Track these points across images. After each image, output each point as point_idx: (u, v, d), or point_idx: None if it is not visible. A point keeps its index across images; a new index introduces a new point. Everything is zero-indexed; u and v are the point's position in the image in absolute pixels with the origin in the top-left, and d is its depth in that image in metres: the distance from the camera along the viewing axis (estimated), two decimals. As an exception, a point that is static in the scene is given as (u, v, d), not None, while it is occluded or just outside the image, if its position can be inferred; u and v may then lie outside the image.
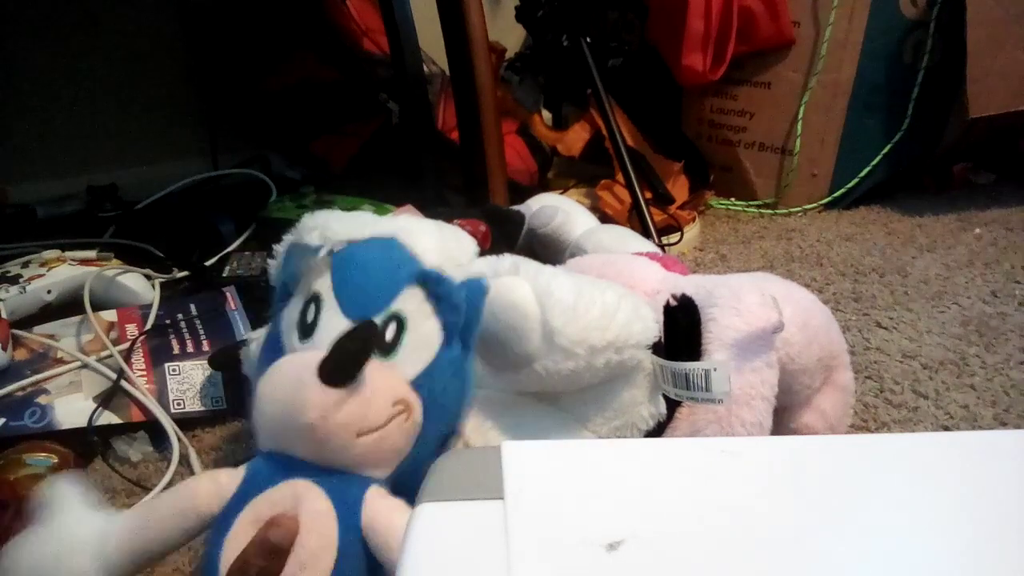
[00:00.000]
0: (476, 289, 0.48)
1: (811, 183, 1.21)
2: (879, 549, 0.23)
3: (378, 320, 0.46)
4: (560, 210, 0.86)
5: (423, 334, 0.47)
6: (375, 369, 0.44)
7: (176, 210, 1.15)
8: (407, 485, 0.42)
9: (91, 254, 0.90)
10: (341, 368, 0.42)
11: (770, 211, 1.23)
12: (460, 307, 0.48)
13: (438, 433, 0.47)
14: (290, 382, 0.43)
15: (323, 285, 0.49)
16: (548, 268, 0.54)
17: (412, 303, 0.47)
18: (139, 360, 0.72)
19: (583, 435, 0.52)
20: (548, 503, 0.25)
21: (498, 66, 1.33)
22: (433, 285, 0.48)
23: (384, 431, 0.43)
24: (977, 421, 0.67)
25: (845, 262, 1.01)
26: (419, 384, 0.46)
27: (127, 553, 0.41)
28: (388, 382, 0.44)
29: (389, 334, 0.46)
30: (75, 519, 0.42)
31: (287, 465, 0.43)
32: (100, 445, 0.65)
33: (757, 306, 0.52)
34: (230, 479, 0.43)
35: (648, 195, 1.06)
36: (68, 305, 0.82)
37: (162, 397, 0.69)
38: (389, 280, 0.48)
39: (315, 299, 0.48)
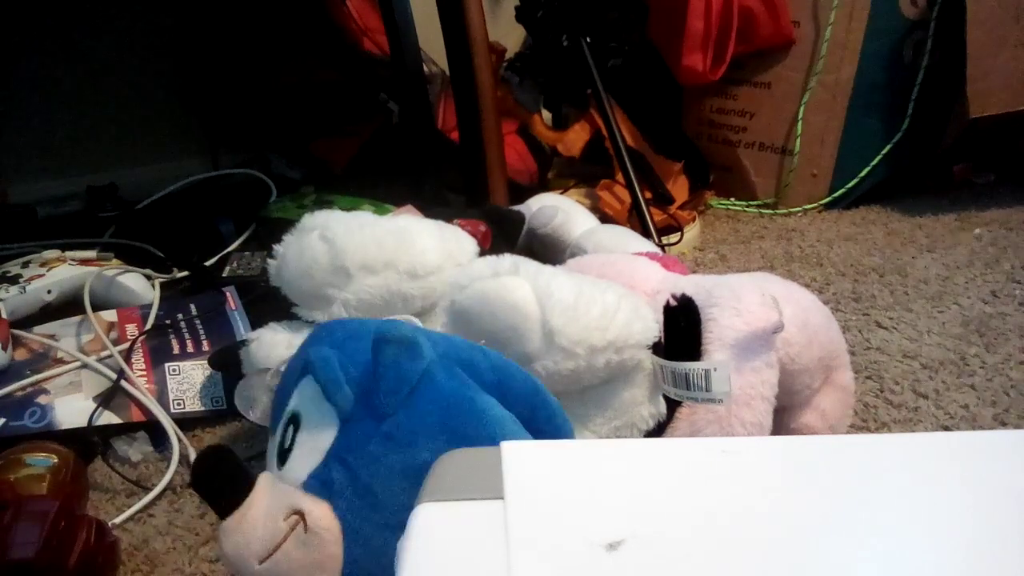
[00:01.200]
0: (375, 338, 0.40)
1: (811, 183, 1.21)
2: (879, 549, 0.23)
3: (279, 428, 0.43)
4: (560, 210, 0.86)
5: (316, 424, 0.41)
6: (258, 488, 0.40)
7: (176, 210, 1.15)
8: None
9: (91, 254, 0.90)
10: (211, 501, 0.39)
11: (770, 211, 1.23)
12: (337, 380, 0.40)
13: (384, 520, 0.38)
14: None
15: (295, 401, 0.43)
16: (548, 268, 0.54)
17: (307, 392, 0.42)
18: (139, 360, 0.72)
19: (583, 435, 0.52)
20: (548, 503, 0.25)
21: (498, 66, 1.33)
22: (313, 370, 0.42)
23: (281, 551, 0.38)
24: (977, 421, 0.67)
25: (845, 262, 1.01)
26: (320, 479, 0.39)
27: None
28: (272, 498, 0.39)
29: (287, 439, 0.42)
30: None
31: None
32: (100, 445, 0.65)
33: (757, 306, 0.52)
34: None
35: (648, 195, 1.06)
36: (68, 305, 0.82)
37: (162, 397, 0.69)
38: (288, 381, 0.44)
39: (292, 419, 0.43)
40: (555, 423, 0.42)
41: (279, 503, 0.39)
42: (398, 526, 0.36)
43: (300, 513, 0.38)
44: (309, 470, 0.40)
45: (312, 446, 0.40)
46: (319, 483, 0.39)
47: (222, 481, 0.39)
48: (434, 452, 0.37)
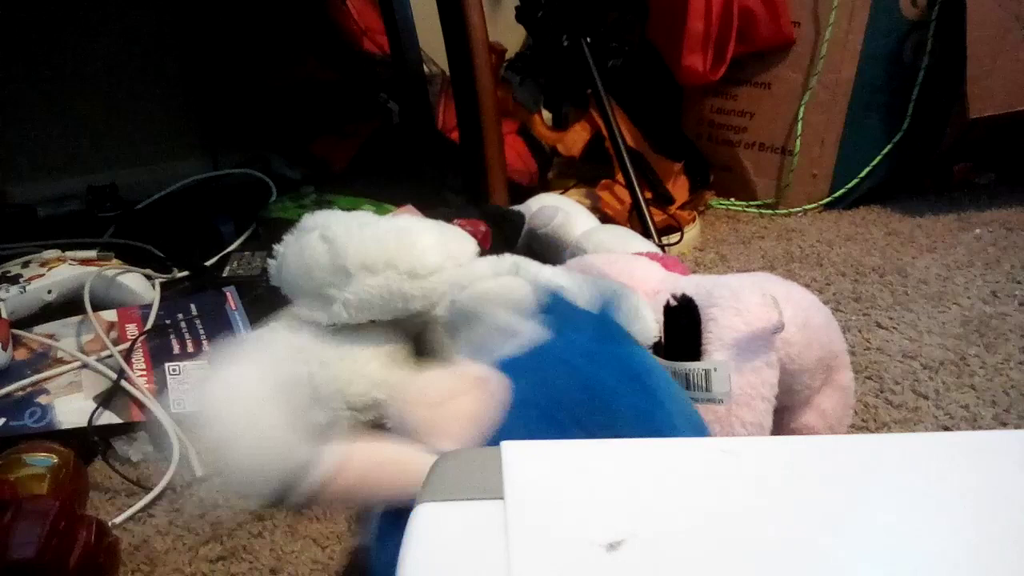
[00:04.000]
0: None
1: (811, 183, 1.21)
2: (879, 549, 0.23)
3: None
4: (560, 210, 0.86)
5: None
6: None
7: (176, 210, 1.15)
8: None
9: (91, 254, 0.90)
10: None
11: (770, 211, 1.23)
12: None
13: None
14: None
15: None
16: (548, 268, 0.54)
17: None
18: (139, 360, 0.72)
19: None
20: (548, 503, 0.25)
21: (498, 66, 1.33)
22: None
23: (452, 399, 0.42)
24: (977, 421, 0.67)
25: (845, 262, 1.01)
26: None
27: None
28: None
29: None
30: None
31: None
32: (100, 445, 0.65)
33: (757, 306, 0.52)
34: None
35: (648, 195, 1.06)
36: (68, 305, 0.82)
37: (162, 397, 0.69)
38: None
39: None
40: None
41: (467, 369, 0.43)
42: (552, 420, 0.41)
43: (484, 378, 0.42)
44: (509, 356, 0.44)
45: (520, 342, 0.45)
46: (511, 365, 0.43)
47: None
48: (616, 381, 0.43)
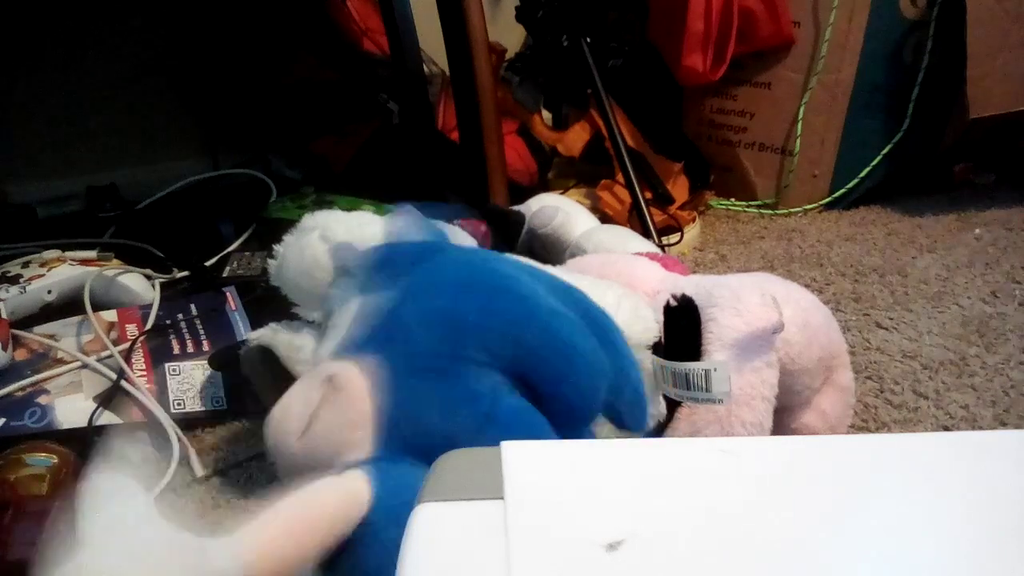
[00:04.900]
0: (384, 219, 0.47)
1: (811, 183, 1.21)
2: (879, 549, 0.23)
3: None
4: (560, 210, 0.86)
5: (340, 304, 0.48)
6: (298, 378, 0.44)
7: (176, 210, 1.15)
8: None
9: (91, 254, 0.90)
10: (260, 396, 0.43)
11: (770, 211, 1.23)
12: (350, 249, 0.48)
13: (407, 365, 0.41)
14: None
15: None
16: (548, 268, 0.54)
17: (335, 291, 0.50)
18: (139, 360, 0.72)
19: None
20: (548, 503, 0.25)
21: (498, 66, 1.33)
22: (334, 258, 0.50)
23: (316, 418, 0.41)
24: (977, 421, 0.67)
25: (845, 262, 1.01)
26: (345, 344, 0.44)
27: None
28: (306, 378, 0.43)
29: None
30: (158, 540, 0.30)
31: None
32: (100, 445, 0.65)
33: (757, 306, 0.52)
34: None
35: (648, 195, 1.06)
36: (68, 305, 0.82)
37: (162, 397, 0.69)
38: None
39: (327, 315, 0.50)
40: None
41: (312, 378, 0.41)
42: (422, 370, 0.40)
43: (329, 379, 0.40)
44: (336, 342, 0.42)
45: (339, 323, 0.43)
46: (344, 347, 0.42)
47: (263, 379, 0.41)
48: (450, 298, 0.41)
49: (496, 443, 0.38)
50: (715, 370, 0.48)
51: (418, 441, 0.39)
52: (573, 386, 0.41)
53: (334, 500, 0.35)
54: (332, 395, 0.39)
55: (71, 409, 0.66)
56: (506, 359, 0.41)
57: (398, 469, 0.38)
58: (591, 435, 0.44)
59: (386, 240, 0.47)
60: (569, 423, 0.41)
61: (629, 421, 0.45)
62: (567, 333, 0.42)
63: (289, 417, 0.40)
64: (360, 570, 0.35)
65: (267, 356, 0.61)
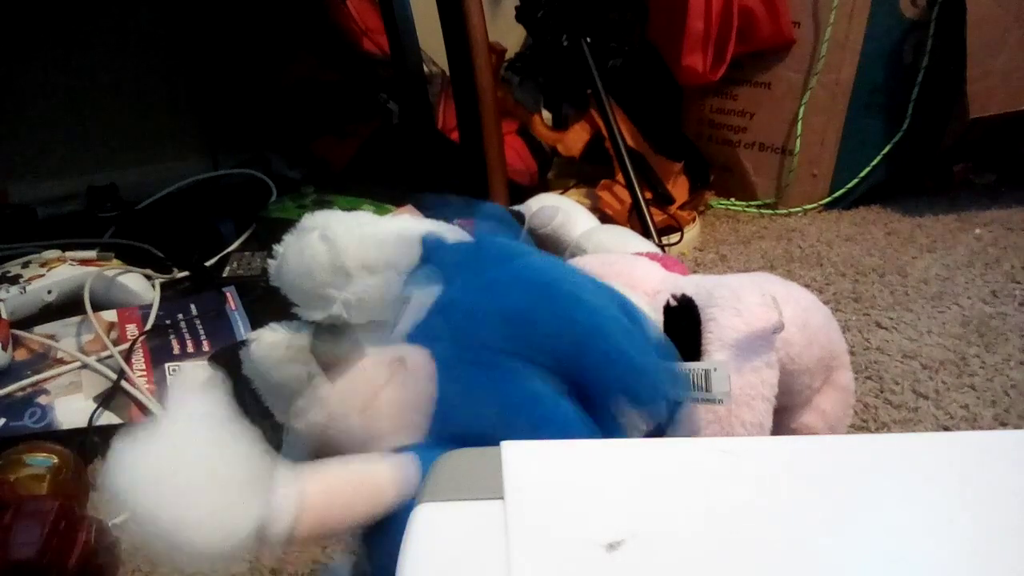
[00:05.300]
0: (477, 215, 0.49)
1: (811, 183, 1.21)
2: (879, 549, 0.23)
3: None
4: (560, 210, 0.86)
5: (422, 288, 0.48)
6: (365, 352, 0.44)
7: (176, 210, 1.15)
8: None
9: (91, 254, 0.90)
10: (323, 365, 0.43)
11: (770, 211, 1.23)
12: (440, 242, 0.49)
13: (474, 358, 0.42)
14: None
15: None
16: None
17: (416, 275, 0.50)
18: (139, 360, 0.72)
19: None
20: (548, 503, 0.25)
21: (498, 66, 1.33)
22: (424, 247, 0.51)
23: (381, 396, 0.42)
24: (977, 421, 0.67)
25: (845, 262, 1.01)
26: (422, 329, 0.44)
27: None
28: (375, 354, 0.43)
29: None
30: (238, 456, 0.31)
31: None
32: (100, 445, 0.65)
33: (757, 306, 0.52)
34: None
35: (648, 195, 1.06)
36: (68, 305, 0.82)
37: (162, 397, 0.69)
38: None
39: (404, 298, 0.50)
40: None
41: (381, 356, 0.42)
42: (486, 365, 0.41)
43: (400, 359, 0.41)
44: (413, 324, 0.43)
45: (418, 306, 0.44)
46: (421, 332, 0.43)
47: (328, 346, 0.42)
48: (527, 299, 0.43)
49: (543, 439, 0.39)
50: (715, 370, 0.48)
51: (470, 432, 0.40)
52: (633, 398, 0.43)
53: (387, 475, 0.36)
54: (399, 375, 0.41)
55: (71, 409, 0.66)
56: (569, 366, 0.42)
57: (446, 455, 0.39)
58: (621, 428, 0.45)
59: (475, 237, 0.48)
60: (603, 414, 0.43)
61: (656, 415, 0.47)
62: (632, 353, 0.44)
63: (356, 391, 0.41)
64: (394, 547, 0.36)
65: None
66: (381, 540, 0.36)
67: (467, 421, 0.40)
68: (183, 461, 0.30)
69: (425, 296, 0.45)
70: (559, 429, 0.40)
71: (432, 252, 0.48)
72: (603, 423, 0.42)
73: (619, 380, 0.42)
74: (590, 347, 0.42)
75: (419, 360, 0.41)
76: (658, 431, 0.53)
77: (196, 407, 0.32)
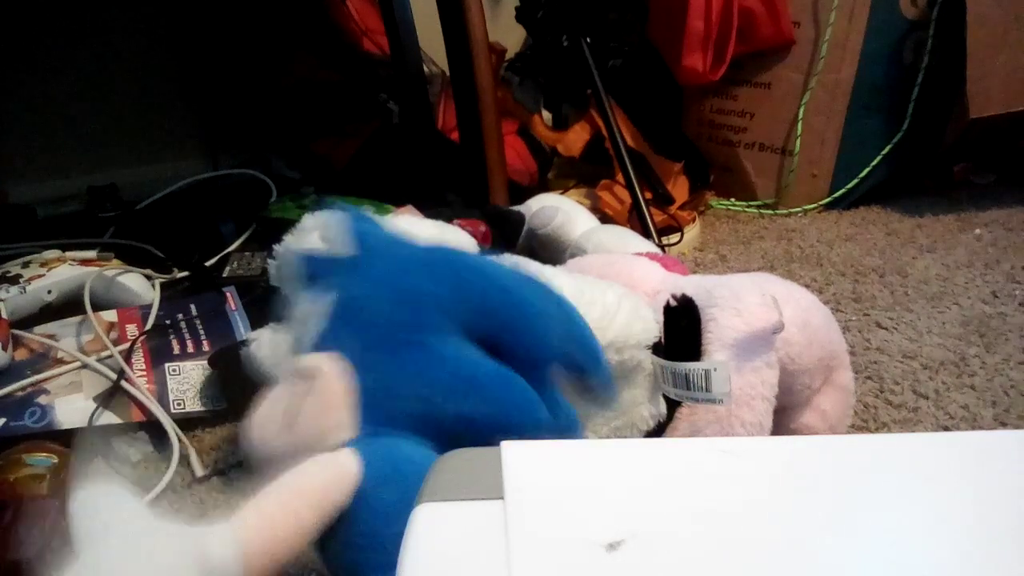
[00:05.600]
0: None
1: (811, 183, 1.21)
2: (879, 549, 0.23)
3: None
4: (560, 210, 0.86)
5: (310, 305, 0.49)
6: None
7: (176, 210, 1.15)
8: None
9: (91, 254, 0.90)
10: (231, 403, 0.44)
11: (770, 211, 1.23)
12: (310, 256, 0.50)
13: (375, 341, 0.43)
14: None
15: None
16: (548, 268, 0.54)
17: (302, 300, 0.51)
18: (139, 360, 0.72)
19: (583, 435, 0.52)
20: (548, 503, 0.25)
21: (498, 66, 1.33)
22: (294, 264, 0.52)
23: (298, 410, 0.43)
24: (977, 421, 0.67)
25: (845, 262, 1.01)
26: (317, 338, 0.46)
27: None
28: (284, 379, 0.44)
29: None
30: (156, 540, 0.31)
31: None
32: (100, 445, 0.65)
33: (757, 306, 0.52)
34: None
35: (648, 195, 1.06)
36: (68, 305, 0.82)
37: (162, 397, 0.69)
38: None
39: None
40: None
41: (285, 378, 0.42)
42: (392, 344, 0.42)
43: (310, 369, 0.41)
44: (316, 334, 0.44)
45: (317, 316, 0.45)
46: (327, 338, 0.43)
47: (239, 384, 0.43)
48: (416, 277, 0.44)
49: (474, 402, 0.40)
50: (715, 370, 0.48)
51: (398, 411, 0.41)
52: (528, 332, 0.44)
53: (323, 474, 0.36)
54: (306, 385, 0.41)
55: (71, 409, 0.66)
56: (471, 323, 0.43)
57: (382, 440, 0.40)
58: (553, 387, 0.45)
59: (350, 236, 0.49)
60: (529, 370, 0.43)
61: (595, 382, 0.46)
62: (526, 293, 0.45)
63: (270, 418, 0.41)
64: (355, 535, 0.36)
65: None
66: (335, 540, 0.37)
67: (393, 401, 0.41)
68: None
69: (321, 306, 0.45)
70: (486, 383, 0.41)
71: (315, 266, 0.49)
72: (516, 367, 0.42)
73: (511, 318, 0.43)
74: (482, 302, 0.43)
75: (328, 363, 0.41)
76: (658, 431, 0.53)
77: (103, 524, 0.31)
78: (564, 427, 0.44)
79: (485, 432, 0.41)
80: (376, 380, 0.41)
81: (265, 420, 0.41)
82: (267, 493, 0.35)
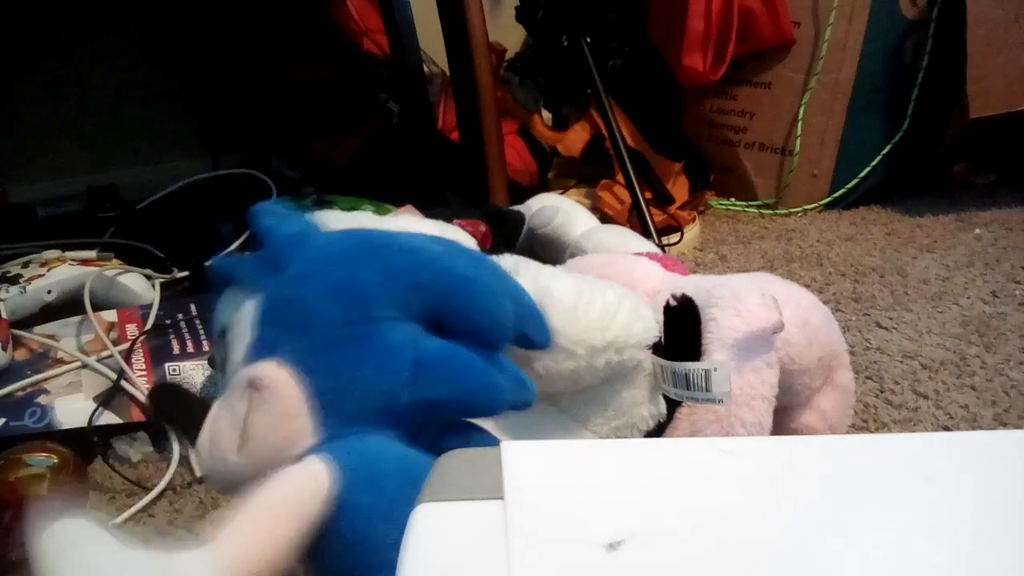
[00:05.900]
0: (248, 216, 0.46)
1: (811, 183, 1.21)
2: (879, 549, 0.23)
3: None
4: (560, 210, 0.86)
5: (237, 314, 0.46)
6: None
7: (176, 210, 1.15)
8: None
9: (91, 254, 0.90)
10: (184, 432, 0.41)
11: (770, 211, 1.23)
12: (231, 262, 0.46)
13: (320, 342, 0.41)
14: None
15: None
16: (548, 268, 0.54)
17: (223, 304, 0.48)
18: (139, 360, 0.72)
19: (583, 435, 0.52)
20: (548, 503, 0.25)
21: (498, 66, 1.33)
22: (213, 274, 0.48)
23: (249, 426, 0.40)
24: (977, 421, 0.67)
25: (845, 262, 1.01)
26: (255, 348, 0.43)
27: None
28: (225, 396, 0.42)
29: (224, 352, 0.46)
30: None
31: None
32: (100, 445, 0.65)
33: (757, 306, 0.52)
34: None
35: (648, 195, 1.06)
36: (68, 305, 0.82)
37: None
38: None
39: (222, 332, 0.47)
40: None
41: (232, 391, 0.39)
42: (338, 342, 0.40)
43: (250, 382, 0.38)
44: (247, 345, 0.41)
45: (241, 332, 0.42)
46: (259, 347, 0.40)
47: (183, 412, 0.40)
48: (346, 268, 0.42)
49: (431, 386, 0.39)
50: (715, 370, 0.48)
51: (357, 408, 0.39)
52: (479, 309, 0.42)
53: (295, 486, 0.35)
54: (257, 397, 0.38)
55: (71, 409, 0.66)
56: (413, 308, 0.42)
57: (347, 440, 0.38)
58: (508, 360, 0.44)
59: (260, 238, 0.46)
60: (485, 348, 0.42)
61: (535, 337, 0.46)
62: (460, 267, 0.43)
63: (221, 436, 0.39)
64: (343, 541, 0.35)
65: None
66: (325, 550, 0.35)
67: (350, 398, 0.39)
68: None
69: (243, 316, 0.43)
70: (431, 367, 0.40)
71: (229, 273, 0.46)
72: (472, 347, 0.41)
73: (457, 298, 0.42)
74: (418, 282, 0.42)
75: (275, 371, 0.39)
76: (658, 431, 0.53)
77: (71, 563, 0.29)
78: (521, 397, 0.43)
79: (447, 414, 0.40)
80: (328, 380, 0.39)
81: (215, 441, 0.39)
82: (240, 515, 0.33)
